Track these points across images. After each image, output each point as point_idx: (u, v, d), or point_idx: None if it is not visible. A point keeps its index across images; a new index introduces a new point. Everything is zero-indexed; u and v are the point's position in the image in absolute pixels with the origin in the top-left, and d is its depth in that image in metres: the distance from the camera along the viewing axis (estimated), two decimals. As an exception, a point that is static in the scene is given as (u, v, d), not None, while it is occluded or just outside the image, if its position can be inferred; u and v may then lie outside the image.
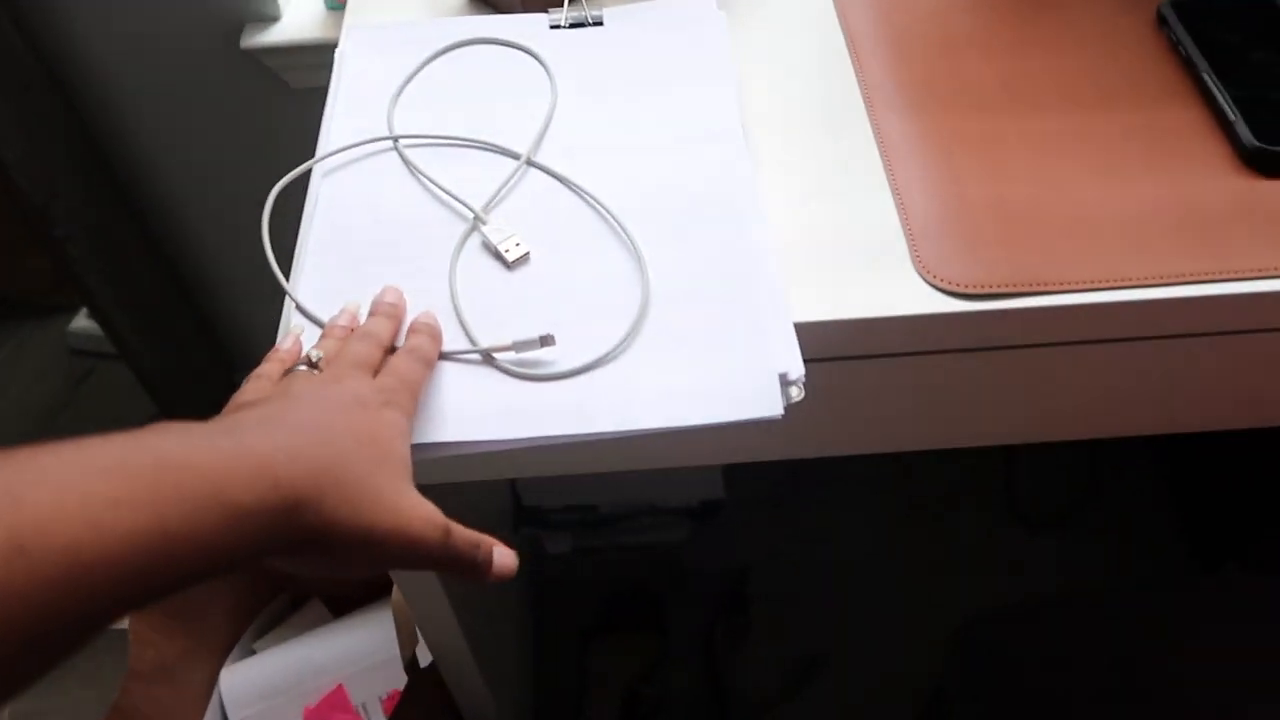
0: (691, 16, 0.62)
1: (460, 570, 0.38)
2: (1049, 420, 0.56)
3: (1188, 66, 0.58)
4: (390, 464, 0.36)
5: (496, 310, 0.49)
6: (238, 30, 0.99)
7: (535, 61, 0.61)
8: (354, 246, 0.52)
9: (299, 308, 0.49)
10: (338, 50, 0.63)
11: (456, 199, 0.53)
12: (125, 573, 0.27)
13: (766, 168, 0.54)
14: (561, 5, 0.64)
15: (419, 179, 0.54)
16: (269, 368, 0.44)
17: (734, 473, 1.19)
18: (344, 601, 1.07)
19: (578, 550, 1.17)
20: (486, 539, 0.40)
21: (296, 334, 0.47)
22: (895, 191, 0.53)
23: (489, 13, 0.66)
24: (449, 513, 0.39)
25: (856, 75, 0.59)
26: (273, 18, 0.99)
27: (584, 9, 0.64)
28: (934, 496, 1.27)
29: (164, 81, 1.04)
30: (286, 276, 0.51)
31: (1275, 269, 0.48)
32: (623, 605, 1.14)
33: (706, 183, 0.53)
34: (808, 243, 0.51)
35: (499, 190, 0.53)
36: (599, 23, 0.63)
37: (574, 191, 0.53)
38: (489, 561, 0.40)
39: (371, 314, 0.47)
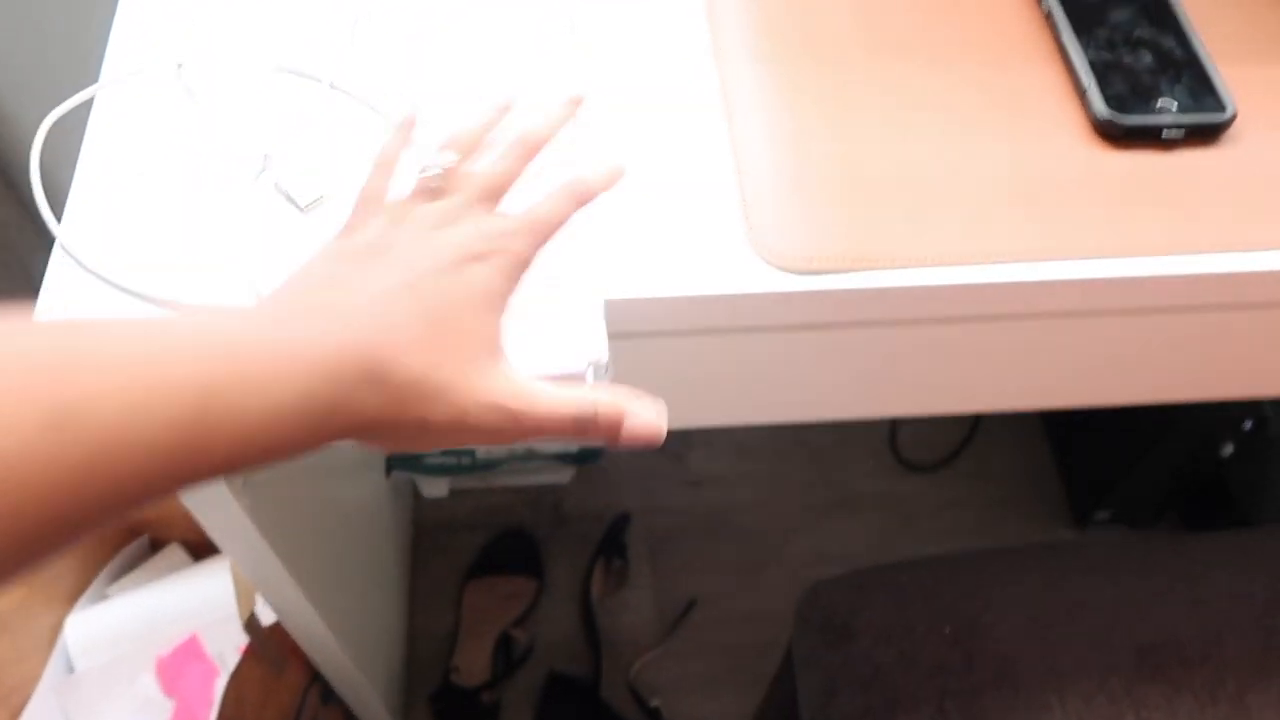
0: None
1: (574, 437, 0.35)
2: (882, 397, 0.54)
3: (1050, 22, 0.55)
4: (463, 352, 0.33)
5: (287, 261, 0.44)
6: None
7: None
8: (129, 190, 0.47)
9: (67, 251, 0.44)
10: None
11: (243, 137, 0.48)
12: (158, 461, 0.26)
13: (601, 116, 0.50)
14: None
15: (208, 112, 0.49)
16: (378, 183, 0.39)
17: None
18: (207, 546, 1.03)
19: (455, 493, 1.15)
20: (602, 403, 0.35)
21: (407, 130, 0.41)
22: (735, 151, 0.49)
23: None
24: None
25: (709, 17, 0.55)
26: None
27: None
28: (817, 440, 1.27)
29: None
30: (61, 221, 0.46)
31: (1112, 250, 0.46)
32: (500, 549, 1.12)
33: (532, 117, 0.49)
34: (638, 205, 0.47)
35: (298, 122, 0.49)
36: None
37: (382, 117, 0.49)
38: (612, 429, 0.35)
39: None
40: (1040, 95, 0.52)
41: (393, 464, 1.06)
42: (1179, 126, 0.50)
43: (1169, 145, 0.50)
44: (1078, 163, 0.50)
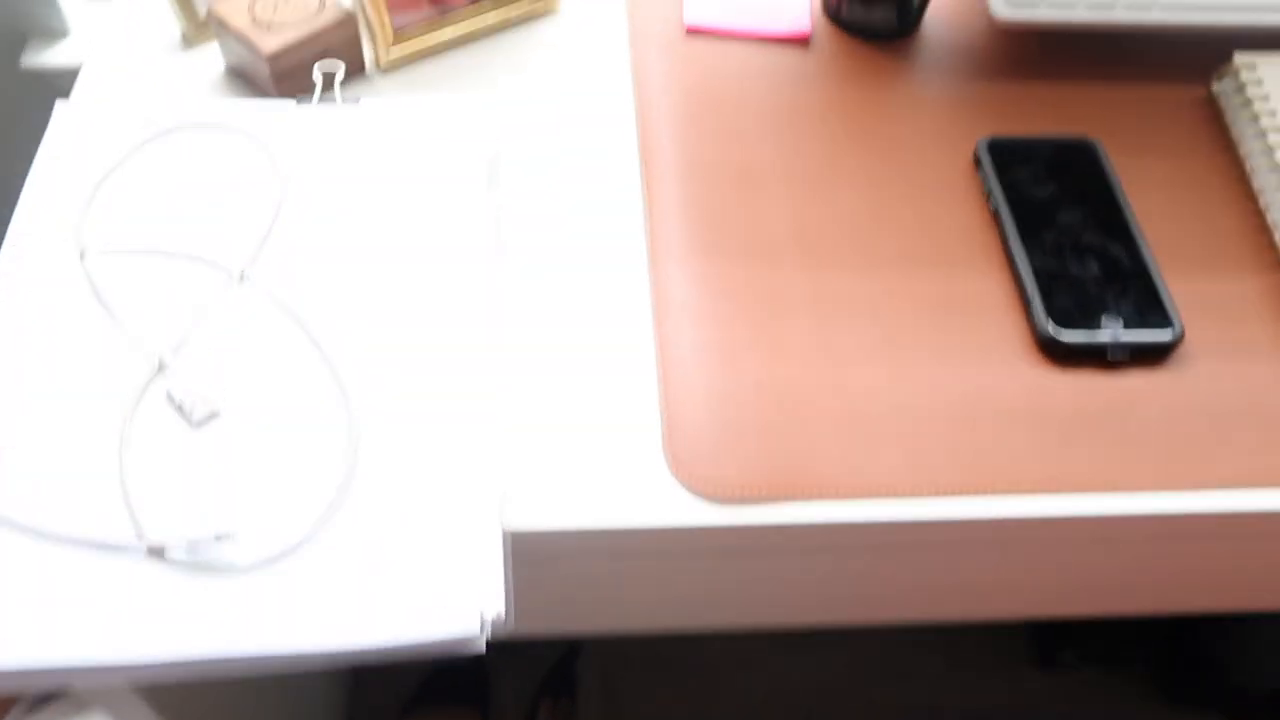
0: (461, 114, 0.55)
1: None
2: (813, 610, 0.51)
3: (997, 223, 0.53)
4: None
5: (175, 485, 0.42)
6: (21, 44, 0.88)
7: (267, 154, 0.53)
8: (13, 396, 0.44)
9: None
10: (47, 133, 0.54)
11: (138, 338, 0.45)
12: None
13: (520, 315, 0.48)
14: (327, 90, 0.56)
15: (105, 307, 0.47)
16: None
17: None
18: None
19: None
20: None
21: None
22: (660, 359, 0.47)
23: (249, 94, 0.58)
24: None
25: (645, 209, 0.53)
26: (60, 33, 0.88)
27: (335, 94, 0.56)
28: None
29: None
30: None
31: (1048, 485, 0.44)
32: (442, 679, 1.08)
33: (443, 332, 0.46)
34: (550, 414, 0.45)
35: (195, 323, 0.46)
36: (353, 100, 0.56)
37: (292, 319, 0.47)
38: None
39: None
40: (983, 305, 0.50)
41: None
42: (1123, 346, 0.48)
43: (1114, 365, 0.48)
44: (1019, 383, 0.47)
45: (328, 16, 0.57)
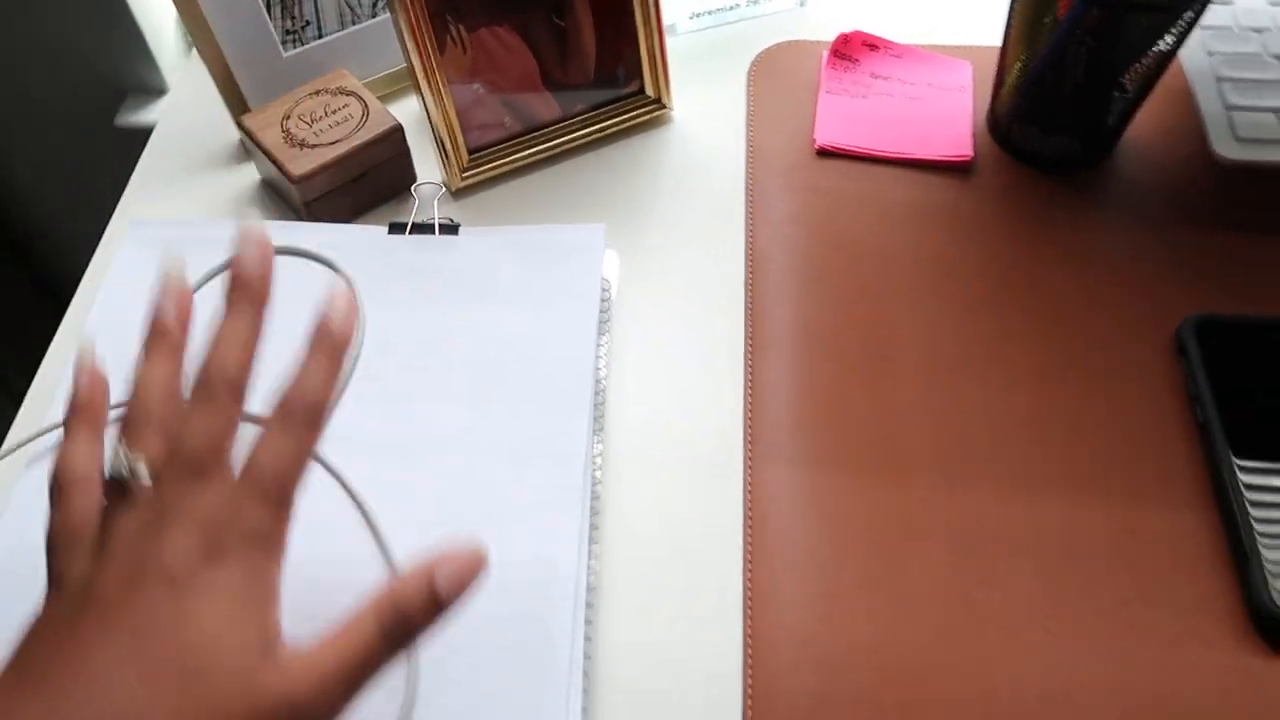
0: (576, 244, 0.47)
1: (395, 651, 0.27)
2: None
3: (1204, 437, 0.41)
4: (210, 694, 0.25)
5: None
6: (119, 101, 0.85)
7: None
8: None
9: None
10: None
11: None
12: None
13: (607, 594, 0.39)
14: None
15: None
16: (82, 503, 0.29)
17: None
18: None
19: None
20: (401, 584, 0.28)
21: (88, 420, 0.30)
22: (747, 600, 0.38)
23: (286, 213, 0.51)
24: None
25: (745, 393, 0.44)
26: (158, 90, 0.85)
27: (434, 216, 0.49)
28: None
29: (40, 152, 0.91)
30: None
31: None
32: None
33: (524, 577, 0.38)
34: (618, 663, 0.36)
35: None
36: (452, 229, 0.48)
37: (355, 507, 0.40)
38: (427, 602, 0.27)
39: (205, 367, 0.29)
40: (1179, 555, 0.38)
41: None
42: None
43: (1364, 668, 0.36)
44: (1228, 677, 0.36)
45: (371, 131, 0.49)
